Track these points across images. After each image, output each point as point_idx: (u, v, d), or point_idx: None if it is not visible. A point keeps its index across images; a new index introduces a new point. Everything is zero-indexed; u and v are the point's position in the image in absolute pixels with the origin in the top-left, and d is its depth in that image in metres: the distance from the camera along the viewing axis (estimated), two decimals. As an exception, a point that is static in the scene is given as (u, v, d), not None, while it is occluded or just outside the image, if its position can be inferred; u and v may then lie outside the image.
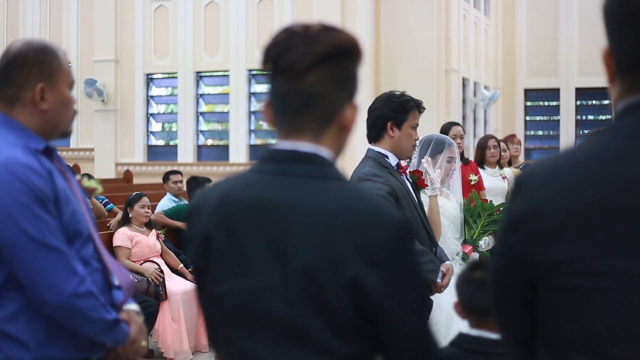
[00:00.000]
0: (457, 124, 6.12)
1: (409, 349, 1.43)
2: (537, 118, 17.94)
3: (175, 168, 9.79)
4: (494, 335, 2.13)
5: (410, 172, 3.73)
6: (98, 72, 14.23)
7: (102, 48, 14.42)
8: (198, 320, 6.38)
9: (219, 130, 14.77)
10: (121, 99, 14.60)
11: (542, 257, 1.26)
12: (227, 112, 14.26)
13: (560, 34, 17.02)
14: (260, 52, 1.47)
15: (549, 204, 1.25)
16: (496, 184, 6.51)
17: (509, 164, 7.25)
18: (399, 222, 1.40)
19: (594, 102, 17.39)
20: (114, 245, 6.47)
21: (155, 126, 15.15)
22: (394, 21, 13.72)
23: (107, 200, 7.70)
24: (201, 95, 14.59)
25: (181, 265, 6.84)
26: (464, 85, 15.20)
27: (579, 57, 16.74)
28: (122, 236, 6.49)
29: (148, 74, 14.74)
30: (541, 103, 17.85)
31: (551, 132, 17.69)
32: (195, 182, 8.36)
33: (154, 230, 6.76)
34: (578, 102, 17.28)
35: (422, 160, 4.22)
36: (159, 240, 6.76)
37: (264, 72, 1.47)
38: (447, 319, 3.78)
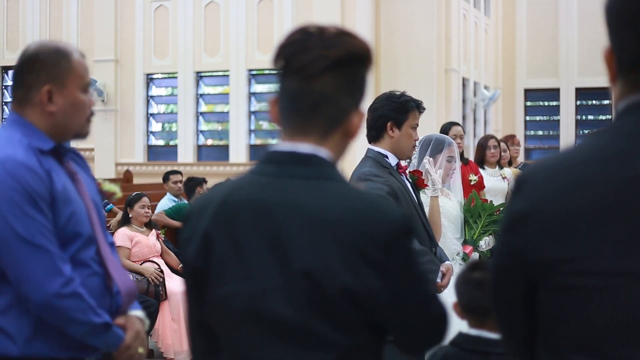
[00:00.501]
0: (457, 124, 6.12)
1: (414, 339, 1.49)
2: (537, 118, 17.95)
3: (175, 168, 9.79)
4: (493, 335, 2.13)
5: (410, 172, 3.72)
6: (98, 72, 14.23)
7: (102, 48, 14.42)
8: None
9: (219, 130, 14.78)
10: (121, 99, 14.61)
11: (542, 256, 1.26)
12: (227, 112, 14.27)
13: (560, 34, 17.02)
14: (273, 50, 1.47)
15: (550, 203, 1.25)
16: (496, 184, 6.51)
17: (509, 164, 7.25)
18: (399, 220, 1.41)
19: (594, 102, 17.40)
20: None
21: (155, 126, 15.16)
22: (394, 21, 13.73)
23: (106, 200, 7.70)
24: (201, 95, 14.59)
25: (181, 265, 6.81)
26: (464, 85, 15.20)
27: (579, 57, 16.74)
28: (122, 236, 6.49)
29: (148, 74, 14.74)
30: (541, 103, 17.86)
31: (551, 132, 17.69)
32: (193, 183, 8.36)
33: (154, 230, 6.76)
34: (578, 102, 17.28)
35: (424, 160, 4.21)
36: (159, 240, 6.76)
37: (275, 71, 1.47)
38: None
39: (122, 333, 2.16)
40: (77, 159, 2.28)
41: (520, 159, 8.70)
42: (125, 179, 12.38)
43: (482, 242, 4.63)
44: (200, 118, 14.64)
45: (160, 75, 14.88)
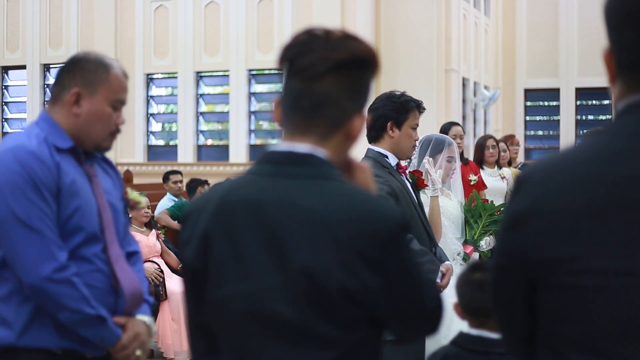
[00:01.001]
0: (456, 124, 6.12)
1: (412, 328, 1.52)
2: (537, 118, 17.95)
3: (175, 168, 9.79)
4: (494, 335, 2.13)
5: (410, 172, 3.72)
6: (98, 72, 14.20)
7: (102, 48, 14.39)
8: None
9: (219, 130, 14.78)
10: (121, 99, 14.60)
11: (542, 255, 1.26)
12: (227, 112, 14.27)
13: (560, 34, 17.03)
14: (278, 50, 1.48)
15: (550, 202, 1.26)
16: (495, 184, 6.51)
17: (509, 164, 7.25)
18: (396, 219, 1.41)
19: (594, 102, 17.41)
20: (114, 245, 6.46)
21: (155, 126, 15.16)
22: (394, 21, 13.73)
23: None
24: (201, 95, 14.59)
25: (181, 265, 6.83)
26: (464, 85, 15.21)
27: (579, 57, 16.74)
28: (122, 236, 6.49)
29: (148, 74, 14.74)
30: (541, 103, 17.86)
31: (551, 132, 17.70)
32: (196, 183, 8.39)
33: (154, 230, 6.76)
34: (578, 102, 17.29)
35: (424, 160, 4.21)
36: (159, 240, 6.76)
37: (279, 71, 1.47)
38: (447, 319, 3.78)
39: (119, 331, 2.18)
40: (105, 166, 2.35)
41: (520, 159, 8.70)
42: (125, 179, 12.37)
43: (482, 242, 4.63)
44: (200, 118, 14.64)
45: (160, 75, 14.89)
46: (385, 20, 13.80)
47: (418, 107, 3.51)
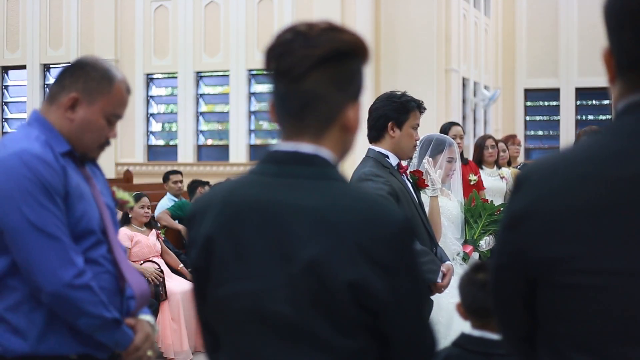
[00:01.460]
0: (456, 124, 6.12)
1: (409, 344, 1.46)
2: (537, 118, 17.96)
3: (175, 168, 9.80)
4: (496, 336, 2.13)
5: (410, 172, 3.73)
6: (98, 72, 14.21)
7: (102, 48, 14.42)
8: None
9: (219, 130, 14.78)
10: (121, 99, 14.60)
11: (542, 254, 1.27)
12: (227, 112, 14.27)
13: (560, 34, 17.03)
14: (263, 52, 1.47)
15: (549, 201, 1.26)
16: (494, 184, 6.51)
17: (508, 164, 7.25)
18: (401, 222, 1.41)
19: (594, 102, 17.41)
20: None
21: (155, 126, 15.16)
22: (394, 21, 13.73)
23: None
24: (201, 95, 14.59)
25: (181, 265, 6.85)
26: (464, 85, 15.21)
27: (579, 57, 16.75)
28: (122, 236, 6.48)
29: (148, 74, 14.74)
30: (541, 103, 17.87)
31: (551, 132, 17.70)
32: (197, 184, 8.41)
33: (154, 230, 6.76)
34: (578, 102, 17.29)
35: (424, 160, 4.21)
36: (159, 240, 6.76)
37: (267, 73, 1.47)
38: (447, 319, 3.78)
39: (131, 333, 2.17)
40: (93, 167, 2.31)
41: (520, 159, 8.70)
42: (125, 179, 12.38)
43: (482, 242, 4.63)
44: (200, 118, 14.64)
45: (160, 75, 14.89)
46: (385, 20, 13.80)
47: (419, 107, 3.51)
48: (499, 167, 6.75)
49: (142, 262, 6.49)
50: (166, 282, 6.44)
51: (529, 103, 17.78)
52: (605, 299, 1.22)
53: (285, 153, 1.45)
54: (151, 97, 14.96)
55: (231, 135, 14.14)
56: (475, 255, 4.61)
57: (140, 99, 14.64)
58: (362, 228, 1.37)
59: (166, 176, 8.42)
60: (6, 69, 16.13)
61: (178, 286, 6.52)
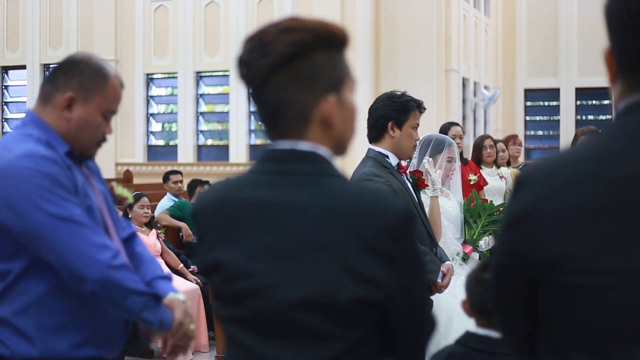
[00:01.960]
0: (456, 124, 6.12)
1: (412, 329, 1.49)
2: (537, 118, 17.96)
3: (175, 168, 9.80)
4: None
5: (410, 172, 3.73)
6: (98, 72, 14.21)
7: (102, 48, 14.42)
8: (198, 320, 6.39)
9: (219, 130, 14.78)
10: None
11: (542, 254, 1.27)
12: (227, 112, 14.27)
13: (560, 34, 17.03)
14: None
15: (550, 201, 1.26)
16: (494, 183, 6.51)
17: (508, 164, 7.25)
18: (402, 212, 1.42)
19: (594, 102, 17.41)
20: (114, 245, 6.46)
21: (155, 126, 15.16)
22: (394, 21, 13.73)
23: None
24: (201, 95, 14.60)
25: (181, 265, 6.84)
26: (464, 85, 15.21)
27: (579, 57, 16.75)
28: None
29: (148, 74, 14.75)
30: (541, 103, 17.87)
31: (551, 132, 17.71)
32: (196, 184, 8.40)
33: (154, 230, 6.76)
34: (578, 102, 17.30)
35: (424, 160, 4.21)
36: (159, 240, 6.76)
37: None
38: (447, 319, 3.78)
39: (170, 311, 2.15)
40: (90, 164, 2.30)
41: (521, 159, 8.69)
42: (125, 179, 12.38)
43: (481, 242, 4.63)
44: (200, 118, 14.65)
45: (160, 75, 14.89)
46: (385, 20, 13.80)
47: (419, 107, 3.52)
48: (498, 167, 6.75)
49: (142, 262, 6.49)
50: (166, 282, 6.43)
51: (529, 103, 17.79)
52: (605, 299, 1.22)
53: (283, 151, 1.46)
54: (151, 97, 14.97)
55: (231, 135, 14.14)
56: (475, 255, 4.61)
57: (140, 99, 14.64)
58: (364, 220, 1.38)
59: (166, 176, 8.42)
60: (6, 69, 16.13)
61: (178, 286, 6.48)
